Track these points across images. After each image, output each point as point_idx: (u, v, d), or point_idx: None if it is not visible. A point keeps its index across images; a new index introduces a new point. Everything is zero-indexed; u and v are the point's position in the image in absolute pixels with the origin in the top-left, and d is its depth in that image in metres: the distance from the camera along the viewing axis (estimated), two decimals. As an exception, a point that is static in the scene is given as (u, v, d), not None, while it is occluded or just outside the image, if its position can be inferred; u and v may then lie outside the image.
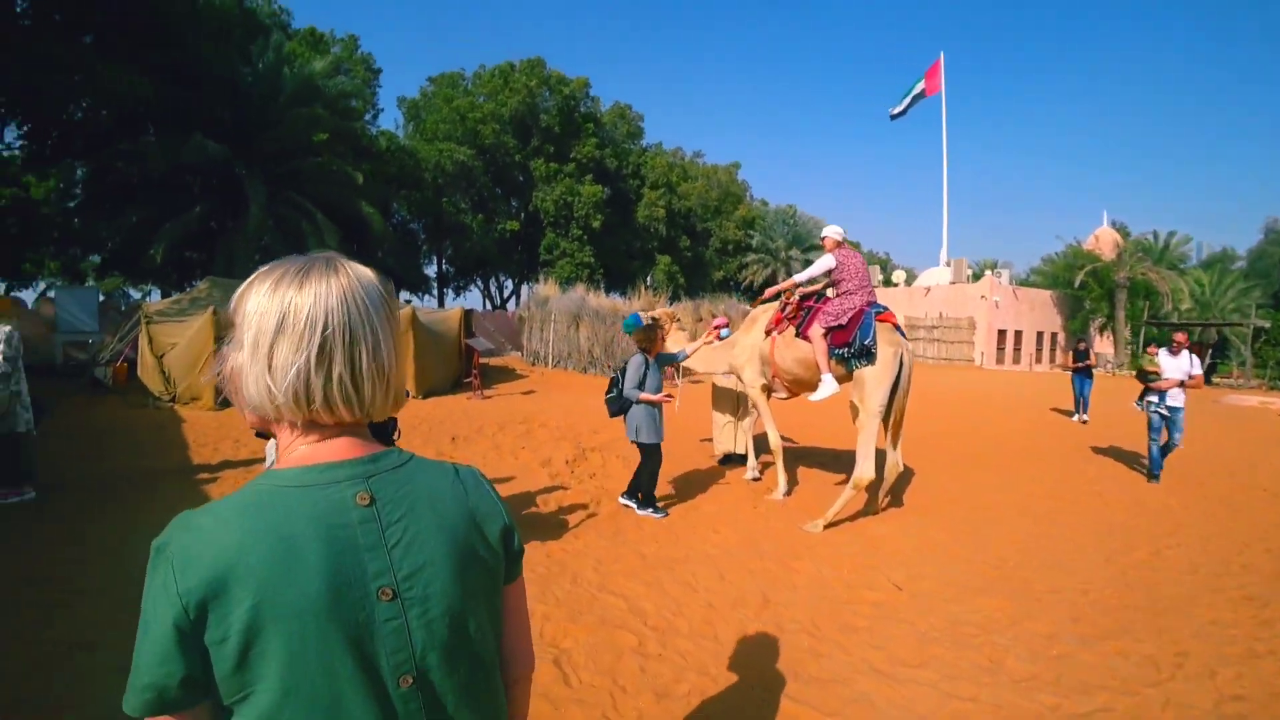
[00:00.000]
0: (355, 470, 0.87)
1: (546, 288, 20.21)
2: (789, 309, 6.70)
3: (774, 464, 7.06)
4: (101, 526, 5.25)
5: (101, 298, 16.06)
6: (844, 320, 6.07)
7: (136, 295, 19.96)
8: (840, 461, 8.54)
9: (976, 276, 33.68)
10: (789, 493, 6.87)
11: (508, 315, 25.97)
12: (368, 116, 28.46)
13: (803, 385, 6.67)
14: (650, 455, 6.04)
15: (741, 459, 8.20)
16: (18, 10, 14.31)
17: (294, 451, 0.89)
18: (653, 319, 7.72)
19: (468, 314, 15.36)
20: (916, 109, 36.74)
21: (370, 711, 0.81)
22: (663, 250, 39.46)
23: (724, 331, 8.15)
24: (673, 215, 39.22)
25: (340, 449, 0.88)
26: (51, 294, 15.49)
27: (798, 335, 6.44)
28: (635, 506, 6.15)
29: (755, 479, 7.51)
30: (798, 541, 5.53)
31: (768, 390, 7.03)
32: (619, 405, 6.01)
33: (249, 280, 0.88)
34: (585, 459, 8.34)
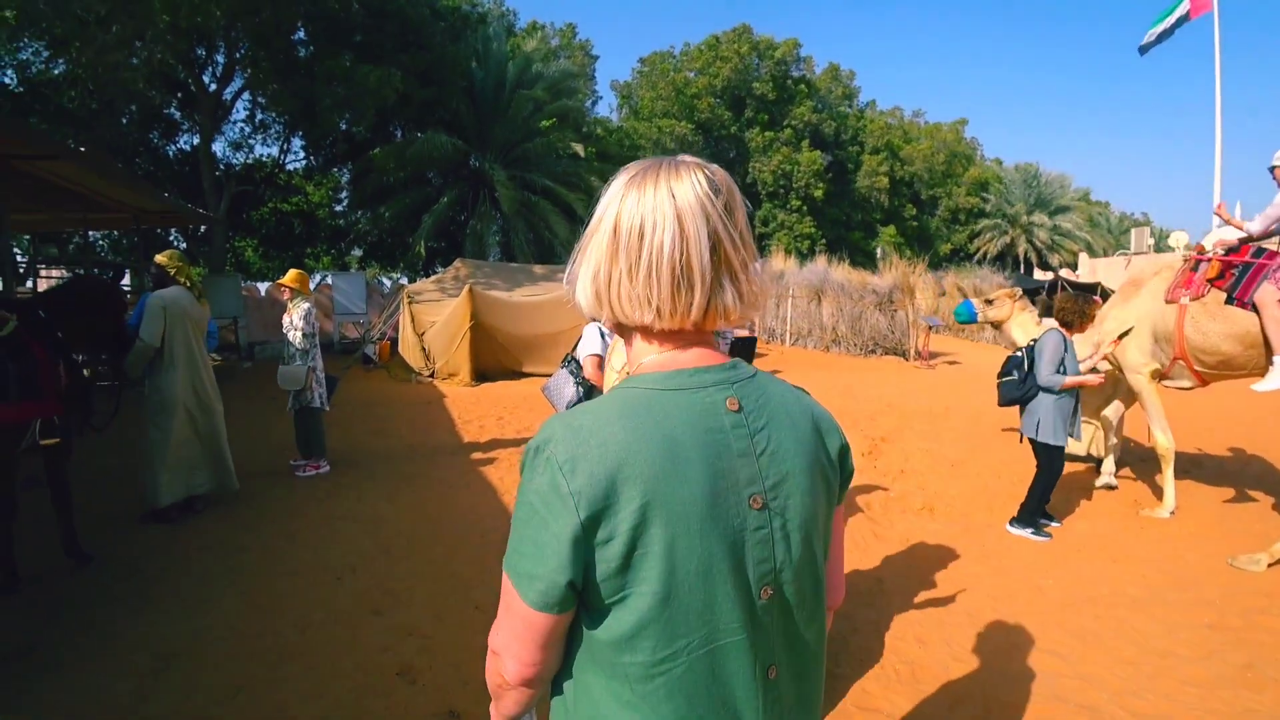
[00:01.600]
0: (721, 376, 0.85)
1: (778, 260, 18.80)
2: (1208, 268, 4.80)
3: (1157, 473, 5.31)
4: (398, 510, 4.87)
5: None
6: None
7: (387, 282, 21.84)
8: (1209, 471, 6.32)
9: (1293, 235, 26.26)
10: (1174, 510, 5.10)
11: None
12: (588, 103, 28.86)
13: (1231, 368, 4.80)
14: (1052, 460, 4.55)
15: (1083, 461, 6.40)
16: (294, 40, 16.09)
17: (645, 357, 0.87)
18: (988, 301, 6.15)
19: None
20: (1178, 36, 29.54)
21: (738, 619, 0.80)
22: (885, 221, 36.18)
23: None
24: (895, 182, 35.77)
25: (699, 357, 0.86)
26: (329, 280, 17.14)
27: (1229, 301, 4.56)
28: (1030, 533, 4.68)
29: (1111, 487, 5.70)
30: (1238, 583, 3.91)
31: (1158, 376, 5.17)
32: (1018, 392, 4.57)
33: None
34: (880, 451, 6.94)
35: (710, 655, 0.79)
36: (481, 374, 11.26)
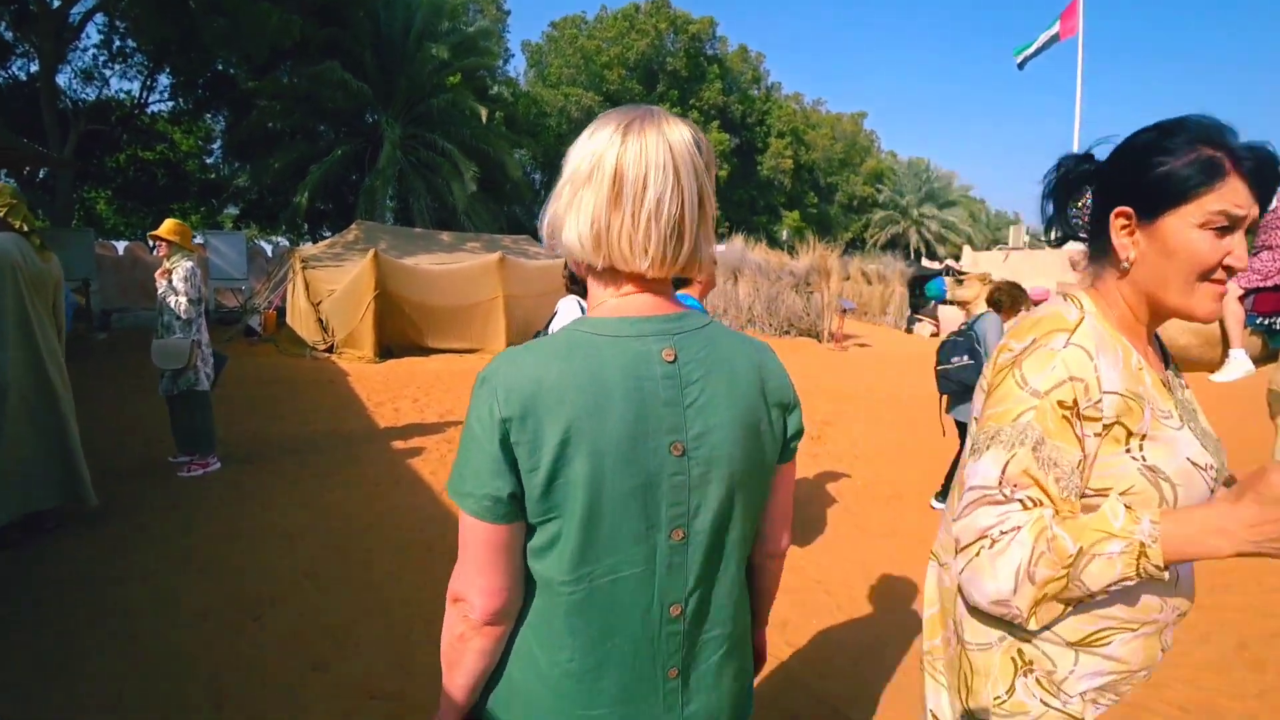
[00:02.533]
0: (662, 327, 0.87)
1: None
2: None
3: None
4: (319, 518, 4.02)
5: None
6: None
7: (268, 245, 19.77)
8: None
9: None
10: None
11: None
12: (499, 62, 27.16)
13: (1185, 359, 4.89)
14: None
15: None
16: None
17: (604, 304, 0.89)
18: (958, 281, 6.00)
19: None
20: (1049, 54, 32.38)
21: (641, 554, 0.84)
22: (789, 206, 36.83)
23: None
24: (799, 167, 36.38)
25: (647, 305, 0.88)
26: (199, 240, 15.09)
27: None
28: None
29: None
30: (1209, 567, 3.90)
31: None
32: (969, 378, 4.31)
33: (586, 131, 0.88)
34: (826, 436, 6.73)
35: (613, 585, 0.84)
36: (386, 349, 10.21)
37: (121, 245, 15.36)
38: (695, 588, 0.88)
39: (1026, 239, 35.44)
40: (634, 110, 0.85)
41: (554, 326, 3.38)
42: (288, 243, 21.35)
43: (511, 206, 24.04)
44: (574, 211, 0.84)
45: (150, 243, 4.71)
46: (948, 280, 6.21)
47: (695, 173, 0.84)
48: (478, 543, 0.83)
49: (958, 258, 35.65)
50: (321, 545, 3.55)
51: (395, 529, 3.83)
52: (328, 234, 20.03)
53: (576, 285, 3.70)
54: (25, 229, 3.44)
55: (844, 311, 15.85)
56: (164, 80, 17.89)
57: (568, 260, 0.91)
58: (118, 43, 16.49)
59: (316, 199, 18.36)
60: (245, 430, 5.81)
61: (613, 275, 0.87)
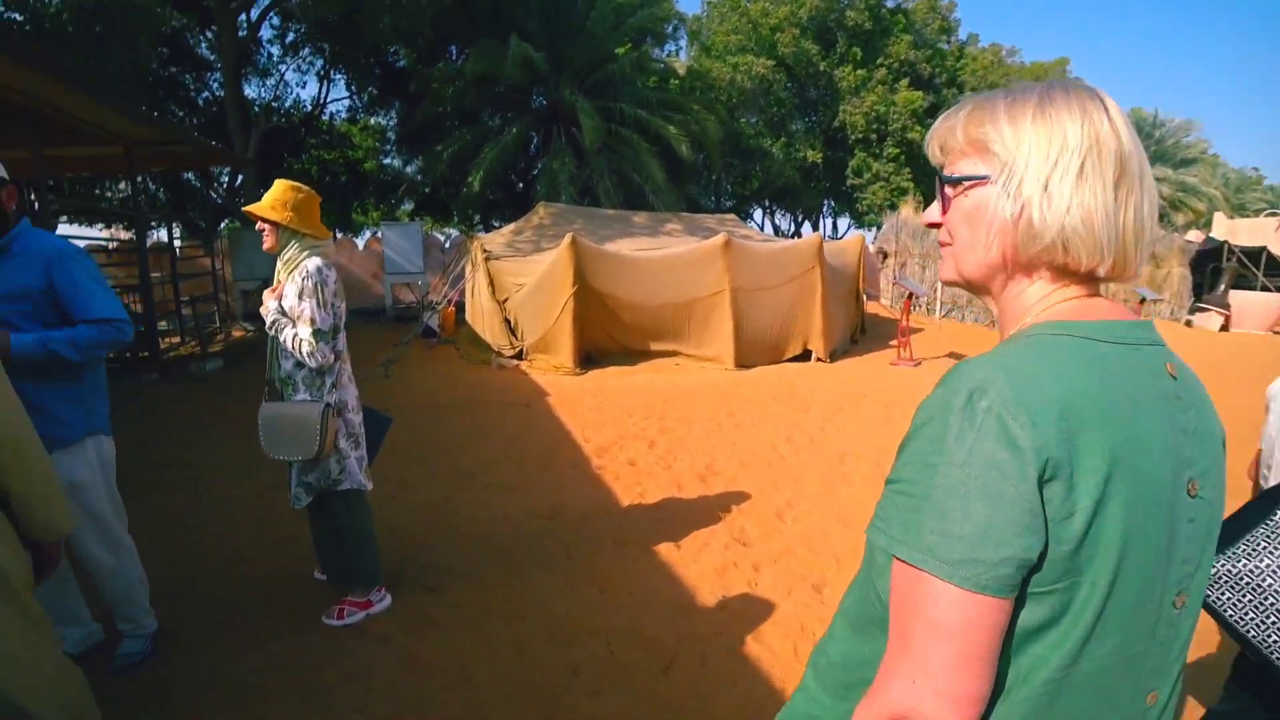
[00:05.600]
0: (1149, 335, 0.67)
1: (907, 212, 15.34)
2: None
3: None
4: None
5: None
6: None
7: (443, 236, 19.06)
8: None
9: None
10: None
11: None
12: (667, 27, 25.18)
13: None
14: None
15: None
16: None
17: (1048, 310, 0.67)
18: None
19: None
20: None
21: (1147, 628, 0.63)
22: (989, 172, 31.88)
23: None
24: (999, 129, 31.25)
25: (1114, 310, 0.67)
26: (378, 234, 14.22)
27: None
28: None
29: None
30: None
31: None
32: None
33: (1005, 105, 0.66)
34: None
35: (1108, 670, 0.62)
36: (586, 355, 8.18)
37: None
38: (1177, 669, 0.68)
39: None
40: (1079, 86, 0.65)
41: None
42: (458, 234, 20.68)
43: (687, 186, 21.80)
44: (1076, 201, 0.62)
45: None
46: None
47: None
48: (971, 629, 0.57)
49: (1199, 226, 28.81)
50: None
51: None
52: (497, 224, 18.98)
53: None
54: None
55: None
56: (339, 79, 17.75)
57: (1021, 258, 0.66)
58: (291, 35, 16.18)
59: (487, 187, 17.19)
60: (425, 502, 3.82)
61: (1064, 275, 0.66)
